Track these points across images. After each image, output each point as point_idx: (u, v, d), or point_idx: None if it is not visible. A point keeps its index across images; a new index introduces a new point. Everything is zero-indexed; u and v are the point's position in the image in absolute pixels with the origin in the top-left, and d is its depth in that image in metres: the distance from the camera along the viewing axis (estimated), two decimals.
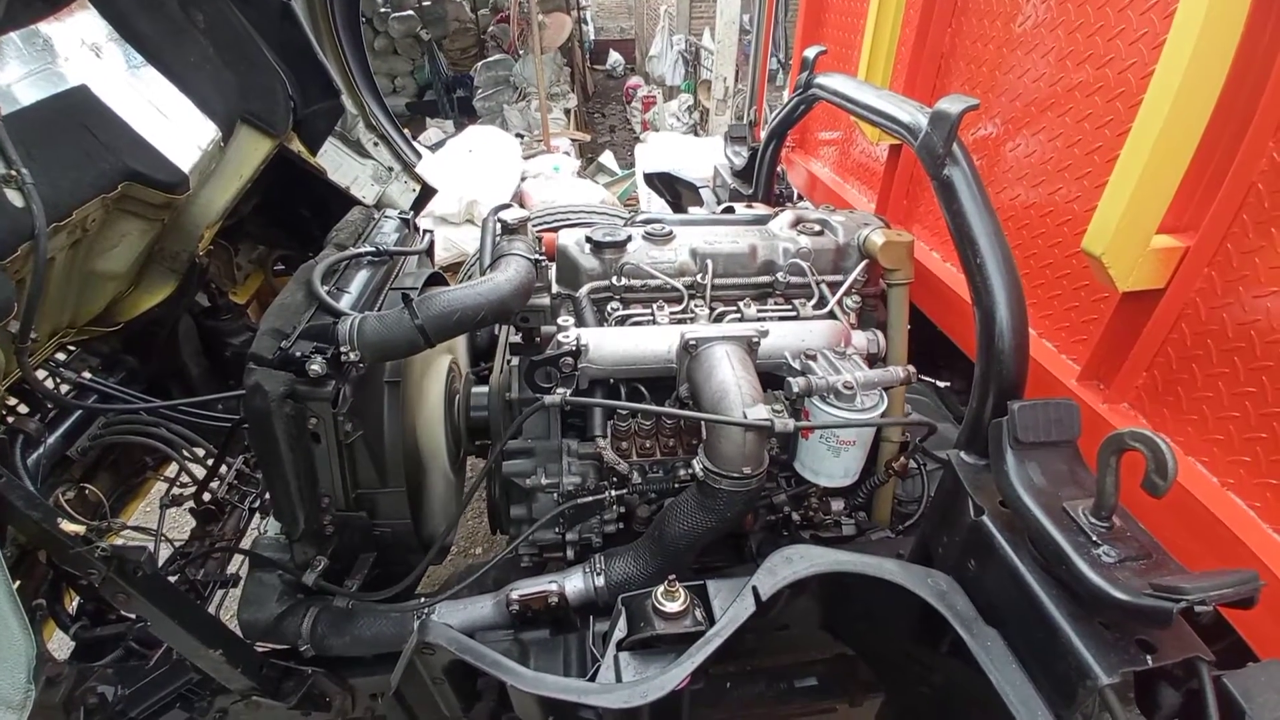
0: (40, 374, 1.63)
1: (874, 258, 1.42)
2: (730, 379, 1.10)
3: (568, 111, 7.88)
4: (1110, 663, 0.72)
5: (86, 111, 1.35)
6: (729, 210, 1.88)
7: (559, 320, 1.28)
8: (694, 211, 2.08)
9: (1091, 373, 1.23)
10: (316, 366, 1.07)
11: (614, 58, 12.42)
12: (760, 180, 2.03)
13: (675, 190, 2.57)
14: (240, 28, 1.62)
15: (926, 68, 1.68)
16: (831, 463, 1.17)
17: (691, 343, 1.18)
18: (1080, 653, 0.74)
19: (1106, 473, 0.77)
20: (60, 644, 1.68)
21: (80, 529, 0.91)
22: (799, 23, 2.43)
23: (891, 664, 1.35)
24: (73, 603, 1.59)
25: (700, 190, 2.38)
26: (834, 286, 1.45)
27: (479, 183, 3.85)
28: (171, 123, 1.50)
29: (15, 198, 1.14)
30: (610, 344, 1.25)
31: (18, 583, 1.45)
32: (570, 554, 1.41)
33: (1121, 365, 1.17)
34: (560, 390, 1.15)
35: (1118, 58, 1.16)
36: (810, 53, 1.60)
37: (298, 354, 1.08)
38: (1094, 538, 0.78)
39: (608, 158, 6.05)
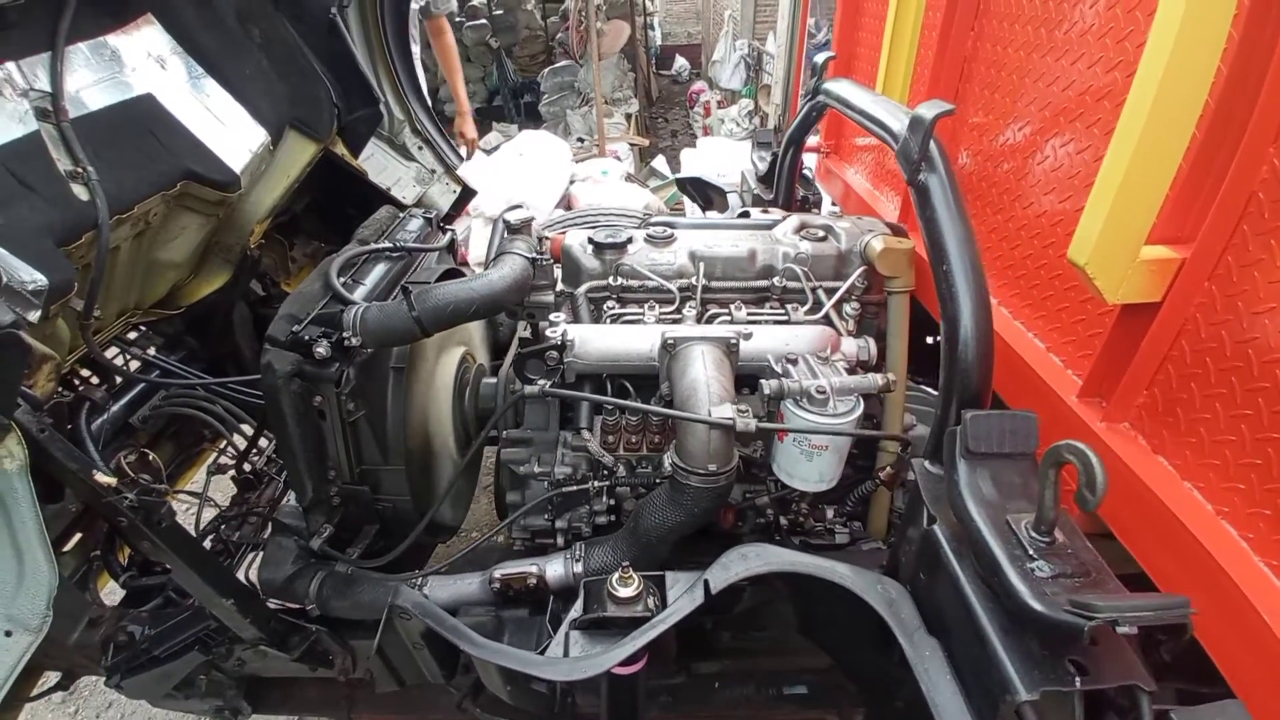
0: (111, 351, 1.84)
1: (873, 264, 1.40)
2: (701, 378, 1.13)
3: (629, 116, 7.98)
4: (1033, 679, 0.71)
5: (151, 117, 1.52)
6: (745, 215, 1.90)
7: (551, 316, 1.34)
8: (712, 215, 2.10)
9: (1092, 389, 1.18)
10: (322, 349, 1.18)
11: (680, 63, 12.47)
12: (780, 186, 2.03)
13: (706, 195, 2.59)
14: (292, 41, 1.77)
15: (949, 72, 1.64)
16: (805, 466, 1.18)
17: (670, 342, 1.22)
18: (1004, 666, 0.73)
19: (1046, 486, 0.75)
20: (113, 593, 1.87)
21: (113, 481, 1.04)
22: (835, 26, 2.41)
23: (866, 676, 1.34)
24: (125, 557, 1.78)
25: (728, 195, 2.39)
26: (834, 292, 1.45)
27: (528, 185, 3.99)
28: (226, 128, 1.66)
29: (81, 192, 1.30)
30: (596, 340, 1.30)
31: (78, 536, 1.63)
32: (560, 541, 1.46)
33: (1121, 382, 1.12)
34: (541, 381, 1.21)
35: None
36: (819, 58, 1.60)
37: (306, 337, 1.19)
38: (1031, 552, 0.77)
39: (660, 162, 6.11)
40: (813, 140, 2.82)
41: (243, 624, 1.27)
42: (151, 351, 1.87)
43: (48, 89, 1.36)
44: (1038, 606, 0.68)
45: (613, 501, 1.46)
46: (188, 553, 1.15)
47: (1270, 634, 0.86)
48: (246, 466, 1.92)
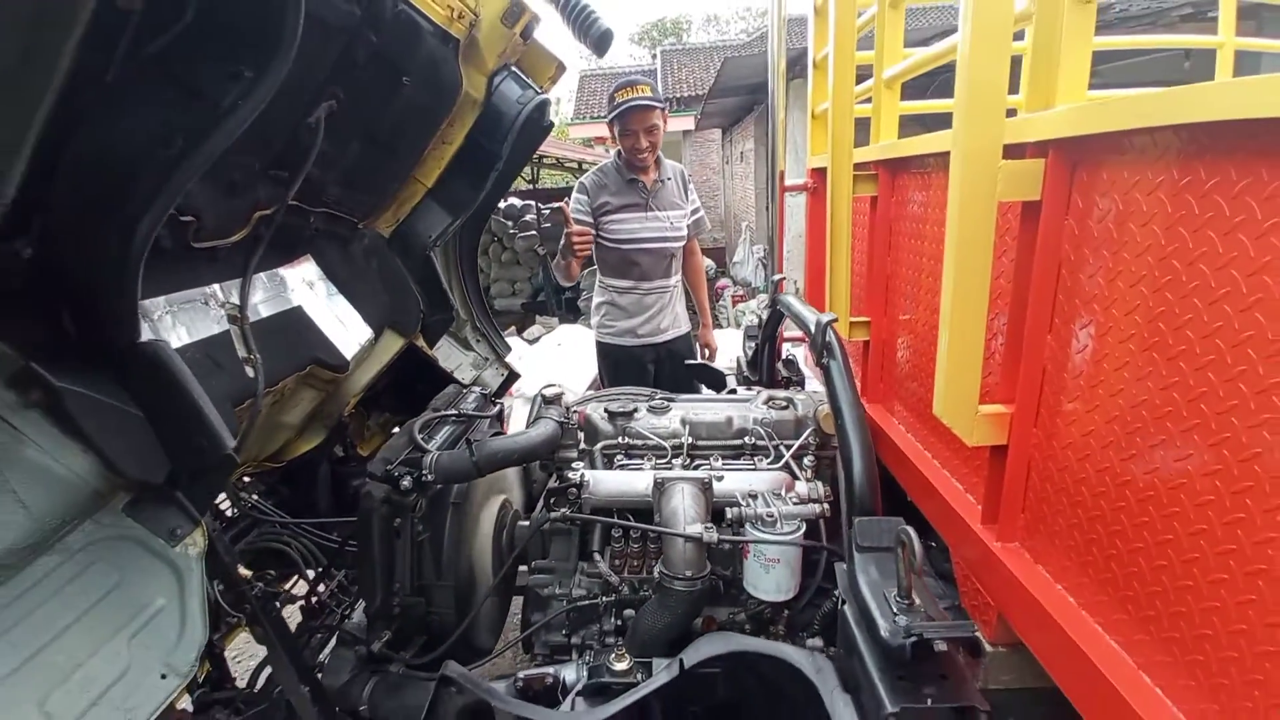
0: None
1: (820, 426, 1.83)
2: (680, 506, 1.52)
3: None
4: (896, 698, 1.00)
5: (298, 322, 2.15)
6: (733, 392, 2.38)
7: (573, 464, 1.77)
8: (708, 393, 2.59)
9: (988, 516, 1.51)
10: (406, 482, 1.61)
11: (707, 263, 14.09)
12: (762, 370, 2.54)
13: (708, 377, 3.13)
14: (398, 269, 2.47)
15: (876, 284, 2.20)
16: (764, 579, 1.50)
17: (660, 481, 1.62)
18: (879, 692, 1.02)
19: (899, 562, 1.10)
20: None
21: (249, 573, 1.43)
22: (806, 247, 3.10)
23: None
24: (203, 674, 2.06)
25: (727, 377, 2.92)
26: (792, 448, 1.86)
27: (563, 370, 4.64)
28: (346, 328, 2.29)
29: (249, 371, 1.86)
30: (605, 481, 1.71)
31: None
32: (575, 656, 1.73)
33: (1002, 510, 1.46)
34: (562, 510, 1.61)
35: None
36: (775, 278, 2.18)
37: (396, 474, 1.63)
38: (895, 611, 1.09)
39: None
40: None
41: (310, 712, 1.55)
42: (255, 496, 2.32)
43: (237, 302, 2.00)
44: (884, 633, 1.00)
45: (619, 622, 1.75)
46: (285, 639, 1.49)
47: (1118, 695, 1.10)
48: (313, 598, 2.25)
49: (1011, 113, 1.25)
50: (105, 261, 0.95)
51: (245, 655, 2.98)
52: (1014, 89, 1.25)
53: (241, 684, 2.01)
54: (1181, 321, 0.95)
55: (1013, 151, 1.22)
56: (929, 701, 0.99)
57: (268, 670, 2.01)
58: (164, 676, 1.27)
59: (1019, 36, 1.21)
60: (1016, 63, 1.24)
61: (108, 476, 1.23)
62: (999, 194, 1.20)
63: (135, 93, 0.87)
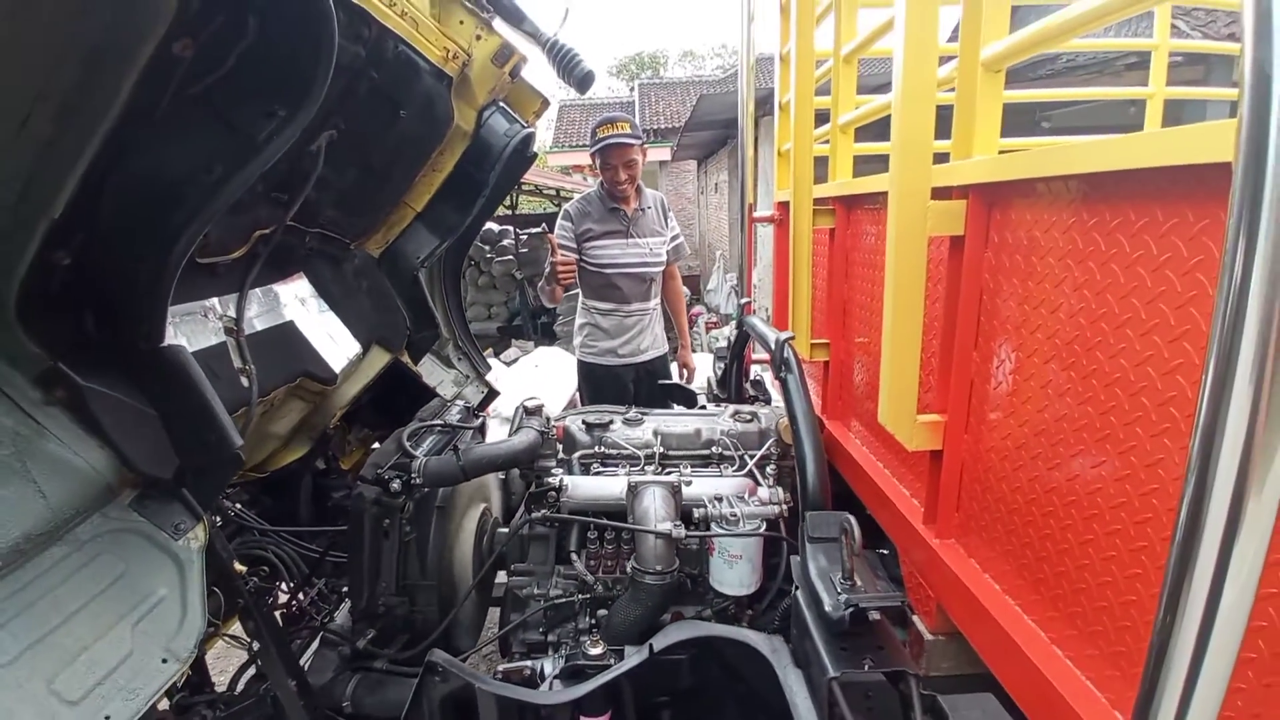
0: None
1: (781, 437, 1.99)
2: (651, 506, 1.65)
3: None
4: (839, 664, 1.14)
5: (290, 336, 2.25)
6: (703, 408, 2.54)
7: (552, 470, 1.89)
8: (679, 409, 2.74)
9: (928, 516, 1.68)
10: (396, 485, 1.72)
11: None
12: (731, 389, 2.71)
13: (679, 396, 3.29)
14: (386, 288, 2.58)
15: (835, 306, 2.39)
16: (728, 574, 1.63)
17: (633, 485, 1.76)
18: (824, 659, 1.16)
19: (842, 548, 1.25)
20: None
21: (243, 569, 1.52)
22: (774, 273, 3.30)
23: None
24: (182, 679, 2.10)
25: (698, 396, 3.08)
26: (754, 457, 2.01)
27: (541, 391, 4.75)
28: (335, 343, 2.39)
29: (244, 380, 1.96)
30: (583, 485, 1.84)
31: None
32: (551, 652, 1.83)
33: (940, 509, 1.62)
34: (541, 511, 1.73)
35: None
36: (742, 302, 2.36)
37: (386, 477, 1.74)
38: (839, 589, 1.23)
39: None
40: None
41: (295, 707, 1.62)
42: (238, 505, 2.38)
43: (233, 316, 2.09)
44: (828, 606, 1.14)
45: (594, 620, 1.86)
46: (274, 632, 1.57)
47: (1031, 664, 1.26)
48: (294, 604, 2.31)
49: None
50: (144, 271, 1.06)
51: (217, 671, 2.98)
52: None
53: (221, 691, 2.06)
54: (1072, 337, 1.13)
55: (942, 193, 1.42)
56: (866, 667, 1.13)
57: (248, 674, 2.07)
58: (165, 661, 1.35)
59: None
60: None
61: (120, 471, 1.32)
62: (929, 229, 1.39)
63: (183, 125, 1.00)
